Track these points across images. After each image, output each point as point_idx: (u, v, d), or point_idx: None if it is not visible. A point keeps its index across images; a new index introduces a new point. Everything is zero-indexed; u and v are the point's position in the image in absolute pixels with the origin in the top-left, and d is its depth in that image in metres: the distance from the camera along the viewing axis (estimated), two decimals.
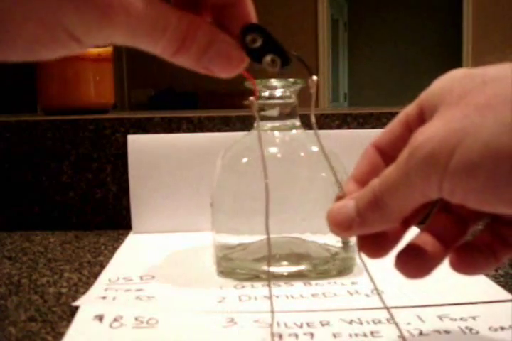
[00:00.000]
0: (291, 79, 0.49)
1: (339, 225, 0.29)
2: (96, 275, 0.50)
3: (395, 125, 0.31)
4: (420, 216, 0.32)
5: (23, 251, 0.60)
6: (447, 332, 0.36)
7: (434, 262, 0.28)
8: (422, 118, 0.30)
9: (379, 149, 0.32)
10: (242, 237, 0.50)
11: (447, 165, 0.25)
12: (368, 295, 0.44)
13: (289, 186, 0.49)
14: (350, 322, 0.38)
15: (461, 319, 0.38)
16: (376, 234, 0.30)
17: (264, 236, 0.50)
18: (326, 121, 0.69)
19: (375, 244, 0.30)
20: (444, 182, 0.25)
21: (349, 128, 0.69)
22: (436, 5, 4.81)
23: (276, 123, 0.50)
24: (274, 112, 0.50)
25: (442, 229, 0.30)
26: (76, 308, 0.41)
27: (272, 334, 0.36)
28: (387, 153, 0.32)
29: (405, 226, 0.31)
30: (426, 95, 0.30)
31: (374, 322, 0.38)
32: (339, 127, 0.69)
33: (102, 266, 0.53)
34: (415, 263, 0.28)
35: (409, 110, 0.31)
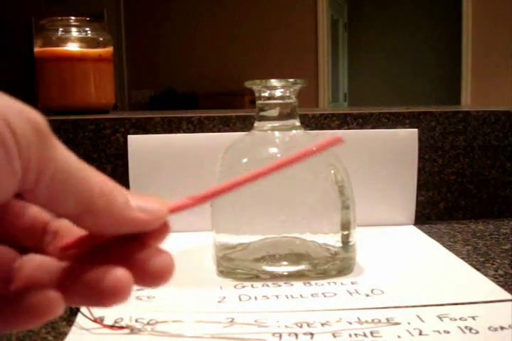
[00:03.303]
0: (291, 80, 0.49)
1: None
2: None
3: None
4: None
5: None
6: (447, 331, 0.37)
7: None
8: None
9: None
10: (242, 237, 0.50)
11: None
12: (367, 295, 0.44)
13: (289, 186, 0.49)
14: (350, 322, 0.38)
15: (461, 319, 0.38)
16: None
17: (264, 236, 0.50)
18: (326, 121, 0.69)
19: None
20: None
21: (349, 128, 0.69)
22: (436, 5, 4.81)
23: (276, 124, 0.50)
24: (274, 112, 0.50)
25: None
26: (77, 308, 0.41)
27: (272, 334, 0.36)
28: None
29: None
30: None
31: (374, 322, 0.38)
32: (339, 127, 0.69)
33: None
34: None
35: None
